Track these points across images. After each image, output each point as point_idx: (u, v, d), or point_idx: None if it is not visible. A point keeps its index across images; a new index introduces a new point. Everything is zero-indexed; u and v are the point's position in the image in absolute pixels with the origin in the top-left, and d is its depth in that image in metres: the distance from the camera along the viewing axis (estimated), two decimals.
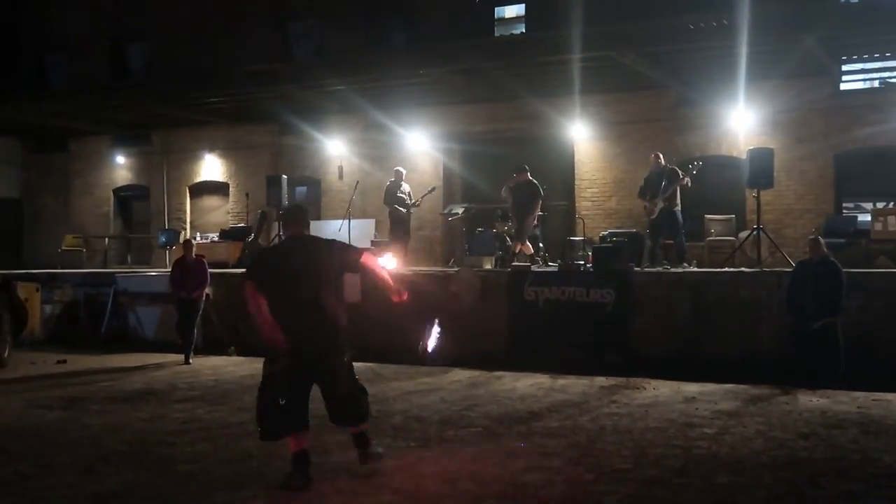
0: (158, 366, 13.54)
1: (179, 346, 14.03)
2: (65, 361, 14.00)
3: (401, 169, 17.11)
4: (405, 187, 16.84)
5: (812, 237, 11.42)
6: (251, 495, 6.31)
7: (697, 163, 14.68)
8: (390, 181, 16.90)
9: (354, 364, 6.75)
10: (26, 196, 25.69)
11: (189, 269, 14.00)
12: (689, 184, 14.33)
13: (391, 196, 16.68)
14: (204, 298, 14.15)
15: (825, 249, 11.11)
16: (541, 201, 15.23)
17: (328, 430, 8.31)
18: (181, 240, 19.75)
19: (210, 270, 14.28)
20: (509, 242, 15.48)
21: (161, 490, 6.52)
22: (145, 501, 6.28)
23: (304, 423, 6.49)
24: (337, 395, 6.55)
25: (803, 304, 10.87)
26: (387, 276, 6.89)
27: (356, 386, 6.70)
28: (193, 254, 14.27)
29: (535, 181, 15.19)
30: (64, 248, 22.39)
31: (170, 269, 14.92)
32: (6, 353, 13.65)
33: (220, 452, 7.63)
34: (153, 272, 18.13)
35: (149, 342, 15.77)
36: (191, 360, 13.70)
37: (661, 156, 14.80)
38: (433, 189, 17.11)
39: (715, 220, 16.27)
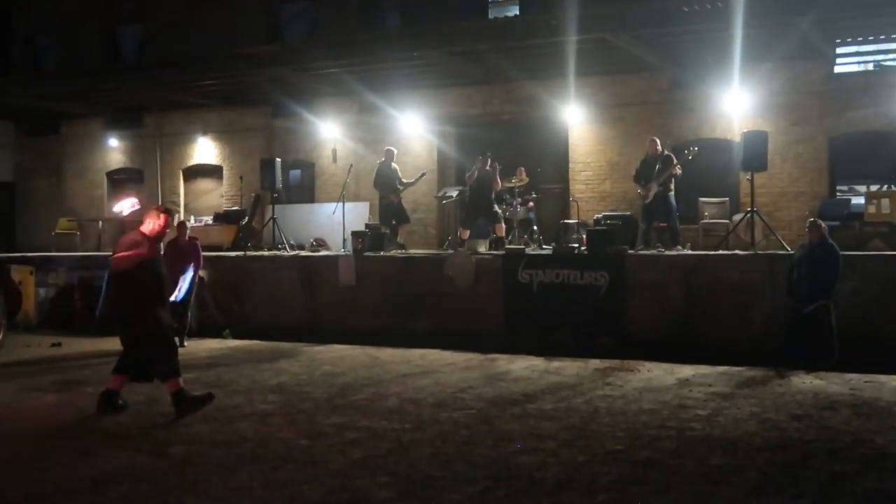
0: None
1: (174, 329, 13.98)
2: (59, 344, 14.01)
3: (392, 148, 16.91)
4: (395, 168, 16.64)
5: (811, 220, 11.40)
6: (247, 478, 6.33)
7: (693, 148, 14.65)
8: (380, 161, 16.70)
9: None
10: (19, 179, 25.55)
11: (180, 250, 13.94)
12: (680, 173, 14.37)
13: (382, 180, 16.45)
14: (197, 280, 14.10)
15: (824, 233, 11.10)
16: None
17: (323, 413, 8.35)
18: (175, 222, 19.68)
19: (203, 253, 14.24)
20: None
21: (156, 472, 6.53)
22: (140, 483, 6.28)
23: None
24: None
25: (799, 286, 10.90)
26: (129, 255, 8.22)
27: None
28: (187, 236, 14.22)
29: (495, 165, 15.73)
30: (57, 231, 22.30)
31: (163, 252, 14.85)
32: (0, 336, 13.64)
33: (215, 434, 7.64)
34: None
35: None
36: (185, 343, 13.66)
37: (657, 141, 14.81)
38: (423, 174, 17.02)
39: (709, 203, 16.27)
